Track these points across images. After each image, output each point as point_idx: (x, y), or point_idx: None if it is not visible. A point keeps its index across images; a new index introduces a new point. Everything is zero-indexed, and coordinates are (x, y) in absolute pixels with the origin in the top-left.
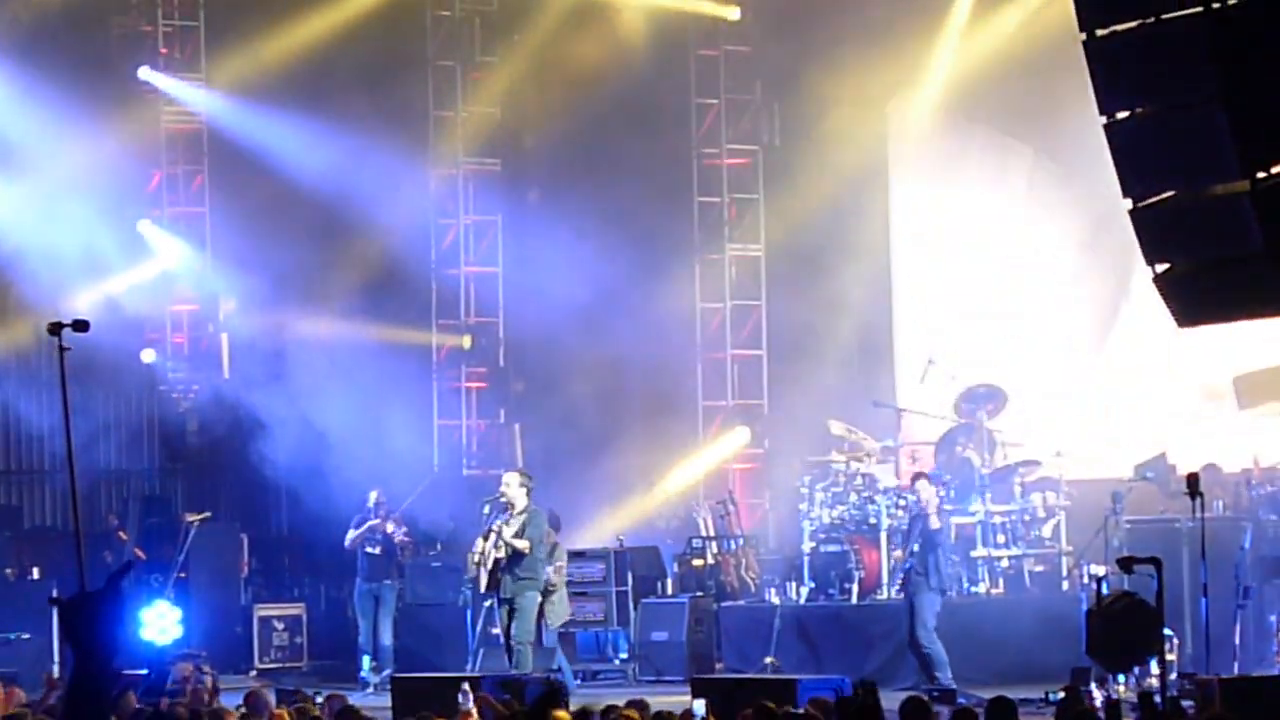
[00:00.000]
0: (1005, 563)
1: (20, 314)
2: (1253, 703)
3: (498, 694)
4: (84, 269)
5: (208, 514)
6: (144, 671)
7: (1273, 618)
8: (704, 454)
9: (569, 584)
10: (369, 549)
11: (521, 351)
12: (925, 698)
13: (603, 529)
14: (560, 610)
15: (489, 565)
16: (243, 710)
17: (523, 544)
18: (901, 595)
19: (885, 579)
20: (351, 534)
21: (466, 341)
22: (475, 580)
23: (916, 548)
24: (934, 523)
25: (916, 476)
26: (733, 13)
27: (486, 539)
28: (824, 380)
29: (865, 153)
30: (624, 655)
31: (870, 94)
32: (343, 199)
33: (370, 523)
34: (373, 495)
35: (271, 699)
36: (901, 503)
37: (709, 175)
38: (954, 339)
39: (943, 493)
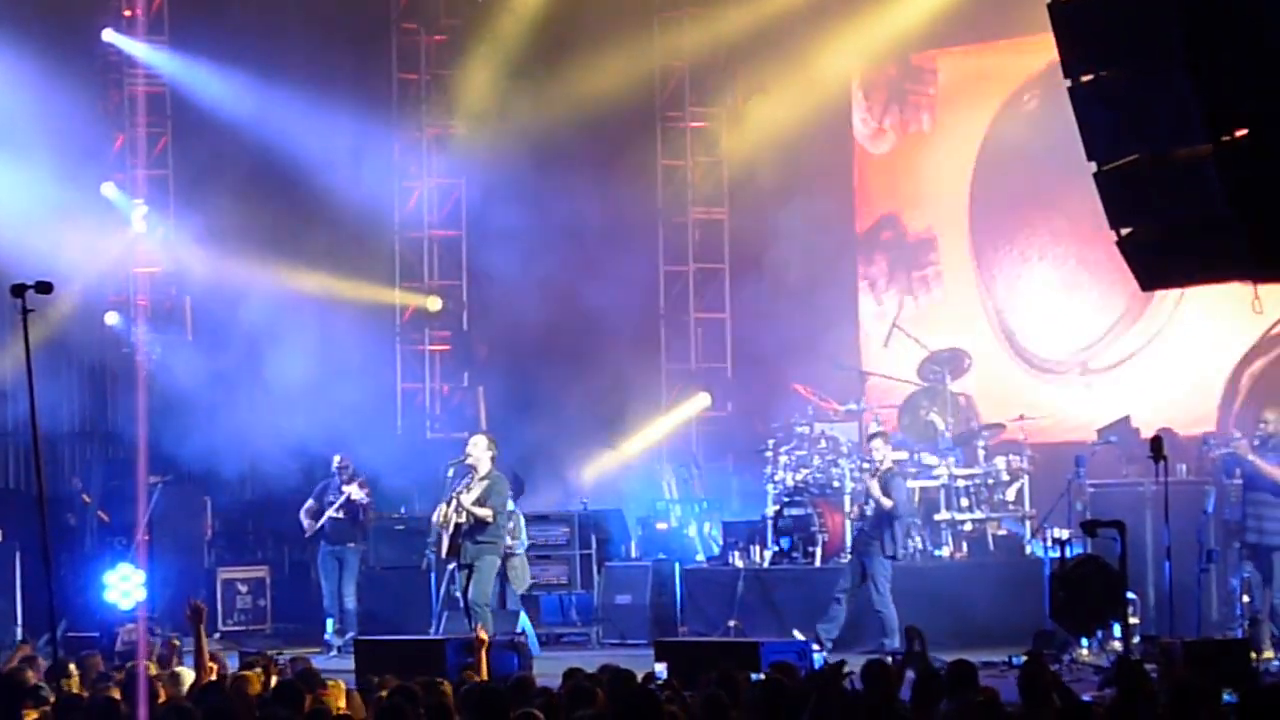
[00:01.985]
0: (969, 526)
1: None
2: (1216, 665)
3: (461, 657)
4: (47, 231)
5: (169, 476)
6: (95, 635)
7: (1235, 581)
8: (664, 418)
9: (532, 547)
10: (333, 513)
11: (485, 315)
12: (888, 660)
13: (566, 492)
14: (523, 574)
15: (450, 530)
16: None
17: (485, 512)
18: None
19: (848, 542)
20: (306, 519)
21: (435, 303)
22: (437, 544)
23: (871, 510)
24: (886, 503)
25: (873, 436)
26: None
27: (449, 504)
28: (788, 344)
29: (829, 114)
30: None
31: (834, 55)
32: (306, 161)
33: (323, 512)
34: (335, 459)
35: (231, 662)
36: (866, 465)
37: (673, 138)
38: (918, 302)
39: (902, 455)
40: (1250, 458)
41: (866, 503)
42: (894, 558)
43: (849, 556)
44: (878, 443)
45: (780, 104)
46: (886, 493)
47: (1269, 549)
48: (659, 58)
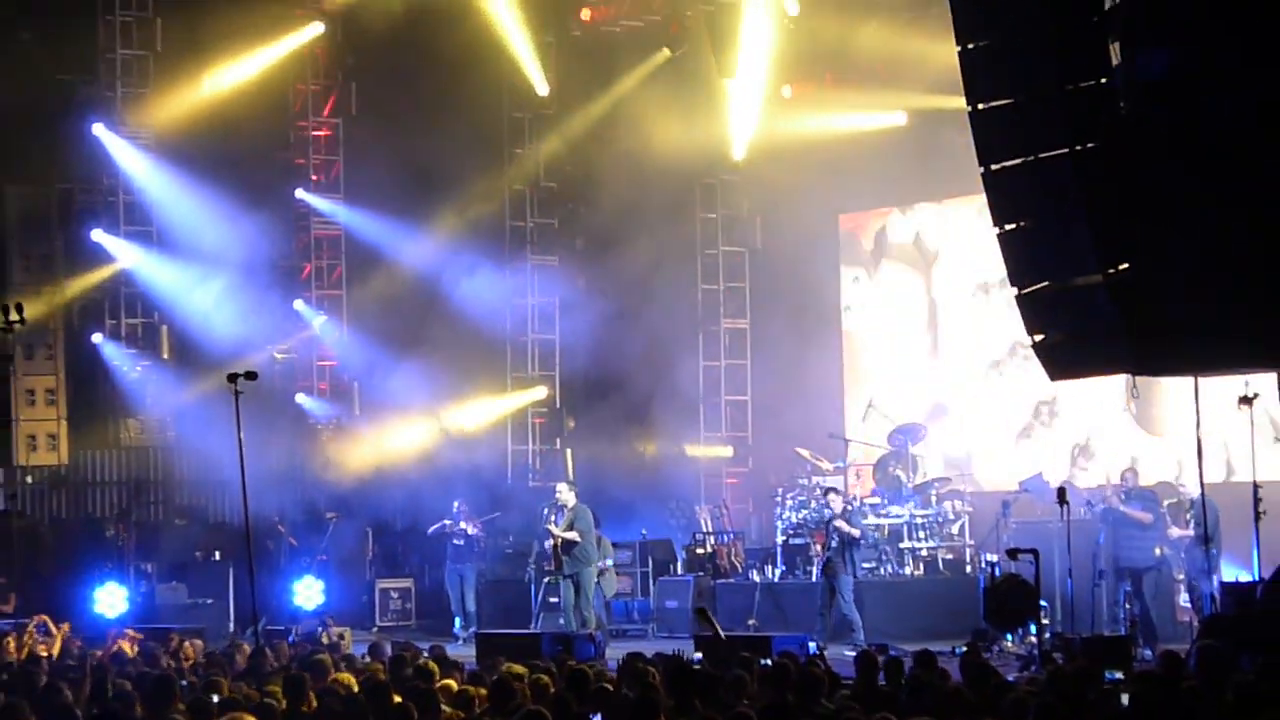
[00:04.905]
0: (925, 552)
1: (204, 365)
2: (1105, 654)
3: (553, 647)
4: (256, 336)
5: (342, 513)
6: (282, 628)
7: (1119, 594)
8: (701, 448)
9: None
10: (455, 541)
11: (573, 396)
12: (872, 650)
13: (630, 524)
14: (610, 583)
15: (554, 551)
16: (368, 657)
17: (572, 534)
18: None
19: None
20: (433, 527)
21: (541, 392)
22: (536, 563)
23: (835, 543)
24: (854, 533)
25: (828, 490)
26: (737, 153)
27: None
28: (793, 419)
29: (823, 251)
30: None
31: (825, 211)
32: (444, 284)
33: (446, 523)
34: (455, 504)
35: (388, 647)
36: (852, 506)
37: (709, 269)
38: (888, 388)
39: (876, 501)
40: (1120, 508)
41: (831, 536)
42: (855, 576)
43: (820, 579)
44: (832, 495)
45: (788, 241)
46: (851, 524)
47: (1134, 569)
48: (699, 210)
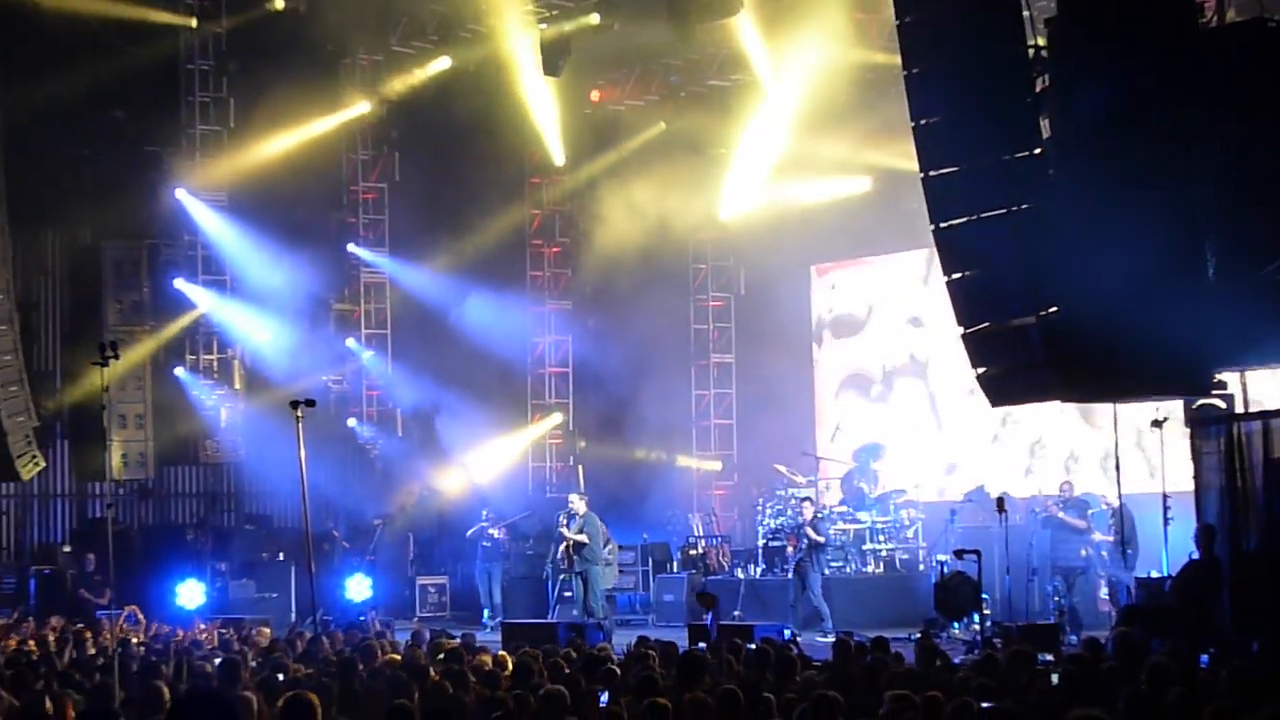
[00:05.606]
0: (884, 553)
1: (270, 394)
2: (1036, 640)
3: (567, 634)
4: (313, 368)
5: (386, 519)
6: (330, 619)
7: (1050, 588)
8: (694, 459)
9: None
10: (484, 543)
11: (584, 420)
12: (846, 637)
13: (632, 529)
14: (610, 576)
15: (566, 551)
16: (409, 642)
17: (581, 537)
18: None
19: None
20: (470, 531)
21: (557, 419)
22: (553, 562)
23: (806, 544)
24: (819, 539)
25: (802, 500)
26: (725, 214)
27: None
28: (772, 438)
29: (797, 299)
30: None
31: (800, 262)
32: (473, 325)
33: (483, 524)
34: (484, 512)
35: (427, 634)
36: (822, 514)
37: (700, 312)
38: (853, 413)
39: (843, 509)
40: (1059, 515)
41: (802, 540)
42: (822, 574)
43: (792, 577)
44: (805, 505)
45: (768, 289)
46: (818, 532)
47: (1069, 570)
48: (692, 262)
